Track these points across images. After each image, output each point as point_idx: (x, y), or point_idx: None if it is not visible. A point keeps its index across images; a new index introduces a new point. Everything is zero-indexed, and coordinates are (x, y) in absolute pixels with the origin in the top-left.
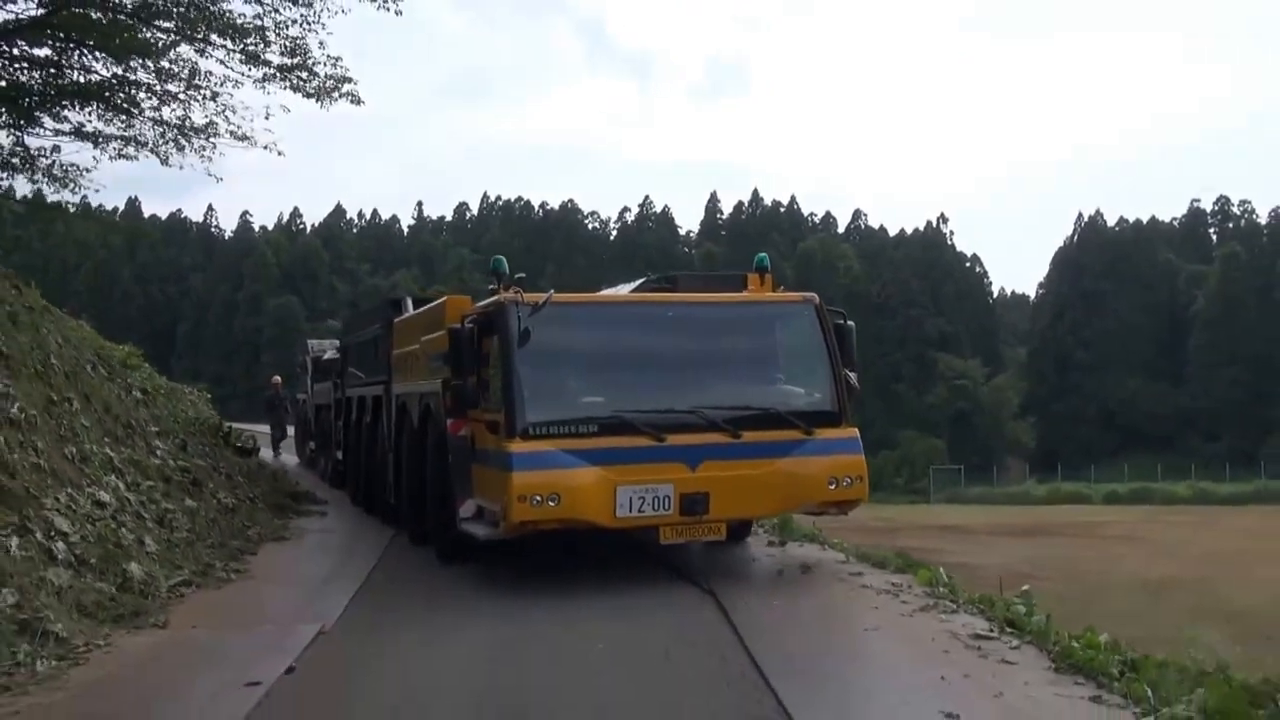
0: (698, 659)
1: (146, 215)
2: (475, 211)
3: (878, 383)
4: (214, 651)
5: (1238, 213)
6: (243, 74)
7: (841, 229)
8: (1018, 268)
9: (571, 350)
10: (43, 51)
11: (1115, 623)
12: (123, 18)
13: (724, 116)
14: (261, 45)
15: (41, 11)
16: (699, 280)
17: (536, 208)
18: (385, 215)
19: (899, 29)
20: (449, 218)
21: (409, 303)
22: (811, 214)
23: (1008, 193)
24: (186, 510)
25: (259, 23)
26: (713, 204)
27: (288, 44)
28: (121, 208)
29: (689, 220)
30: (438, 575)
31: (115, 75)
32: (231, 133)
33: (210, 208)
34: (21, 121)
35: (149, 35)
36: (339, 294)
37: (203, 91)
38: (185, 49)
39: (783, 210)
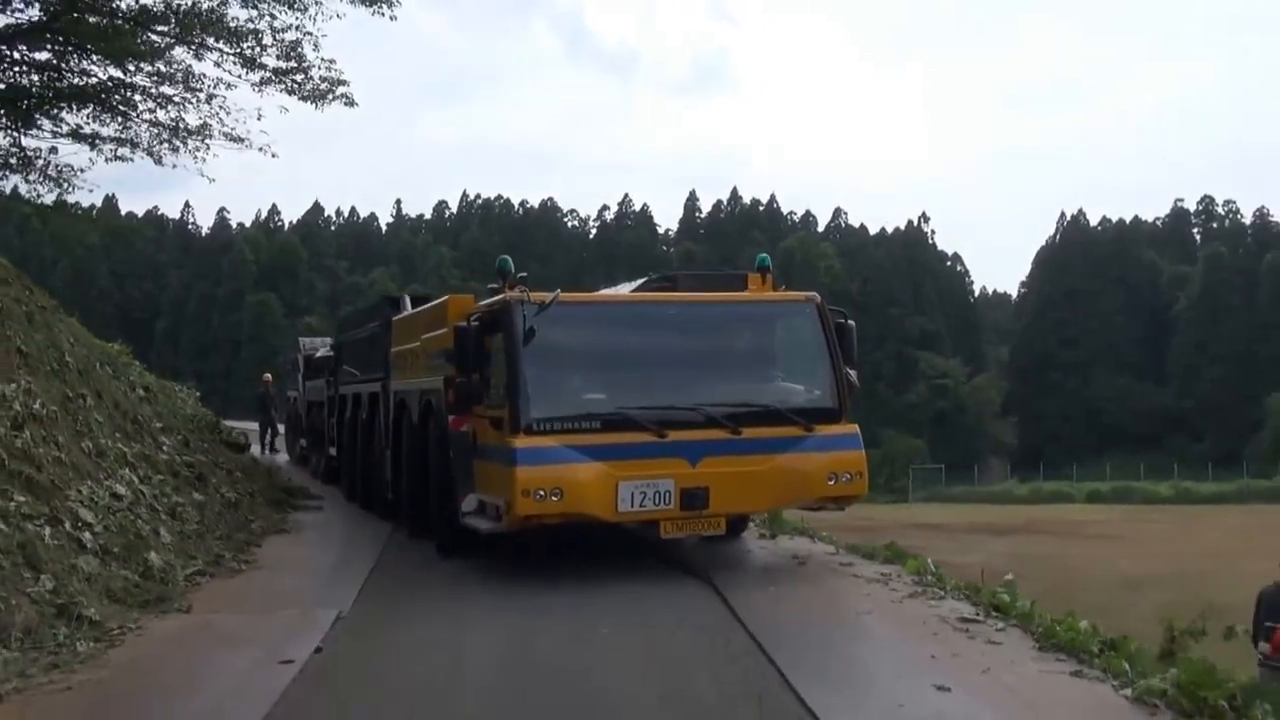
0: (701, 639)
1: (124, 213)
2: (455, 210)
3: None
4: (242, 633)
5: (1222, 212)
6: (239, 77)
7: (822, 227)
8: (999, 266)
9: (575, 348)
10: (42, 55)
11: (1094, 616)
12: (120, 22)
13: (703, 115)
14: (258, 49)
15: (43, 17)
16: (699, 279)
17: (517, 206)
18: (364, 213)
19: (880, 26)
20: (428, 216)
21: (408, 301)
22: (791, 212)
23: (989, 191)
24: (194, 503)
25: (253, 25)
26: (692, 202)
27: (284, 48)
28: (99, 205)
29: (668, 219)
30: (441, 566)
31: (112, 78)
32: (225, 134)
33: (187, 205)
34: (20, 124)
35: (147, 38)
36: (317, 291)
37: (199, 94)
38: (182, 52)
39: (762, 209)
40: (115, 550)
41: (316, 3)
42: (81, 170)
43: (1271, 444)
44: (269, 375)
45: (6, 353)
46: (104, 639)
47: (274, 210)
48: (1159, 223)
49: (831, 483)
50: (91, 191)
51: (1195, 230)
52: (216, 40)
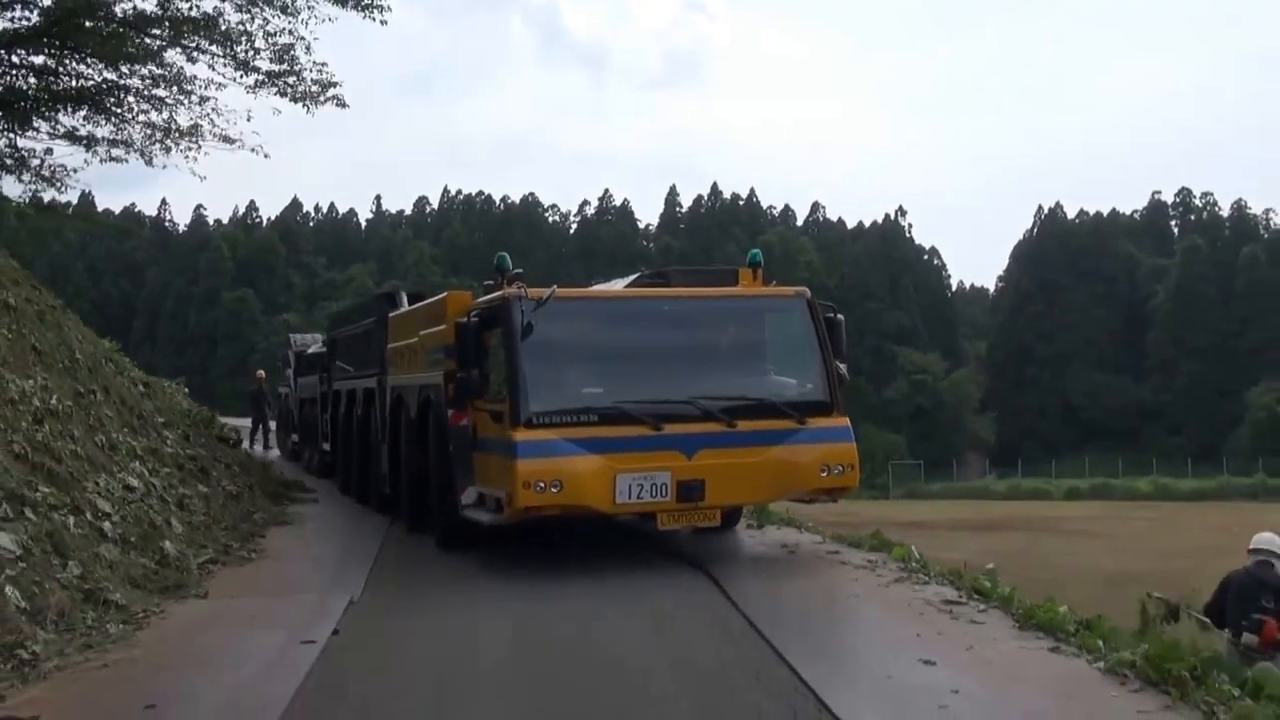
0: (699, 621)
1: (100, 209)
2: (436, 206)
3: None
4: (262, 616)
5: (1199, 205)
6: (233, 80)
7: (800, 222)
8: (977, 260)
9: (572, 343)
10: (39, 59)
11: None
12: (116, 26)
13: (682, 109)
14: (251, 52)
15: (41, 21)
16: (692, 275)
17: (498, 201)
18: (343, 209)
19: (857, 20)
20: (408, 212)
21: (404, 297)
22: (770, 207)
23: (967, 185)
24: (200, 495)
25: (246, 29)
26: (672, 197)
27: (276, 52)
28: (75, 202)
29: (648, 214)
30: (442, 557)
31: (107, 81)
32: (217, 135)
33: (164, 201)
34: (16, 125)
35: (142, 41)
36: (295, 288)
37: (192, 96)
38: (175, 55)
39: (741, 203)
40: (133, 539)
41: (309, 7)
42: (75, 170)
43: (1251, 439)
44: (262, 372)
45: (23, 350)
46: (131, 622)
47: (252, 207)
48: (1136, 215)
49: (824, 474)
50: (71, 189)
51: (1173, 222)
52: (210, 43)
